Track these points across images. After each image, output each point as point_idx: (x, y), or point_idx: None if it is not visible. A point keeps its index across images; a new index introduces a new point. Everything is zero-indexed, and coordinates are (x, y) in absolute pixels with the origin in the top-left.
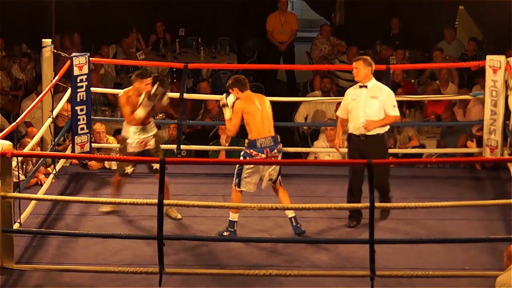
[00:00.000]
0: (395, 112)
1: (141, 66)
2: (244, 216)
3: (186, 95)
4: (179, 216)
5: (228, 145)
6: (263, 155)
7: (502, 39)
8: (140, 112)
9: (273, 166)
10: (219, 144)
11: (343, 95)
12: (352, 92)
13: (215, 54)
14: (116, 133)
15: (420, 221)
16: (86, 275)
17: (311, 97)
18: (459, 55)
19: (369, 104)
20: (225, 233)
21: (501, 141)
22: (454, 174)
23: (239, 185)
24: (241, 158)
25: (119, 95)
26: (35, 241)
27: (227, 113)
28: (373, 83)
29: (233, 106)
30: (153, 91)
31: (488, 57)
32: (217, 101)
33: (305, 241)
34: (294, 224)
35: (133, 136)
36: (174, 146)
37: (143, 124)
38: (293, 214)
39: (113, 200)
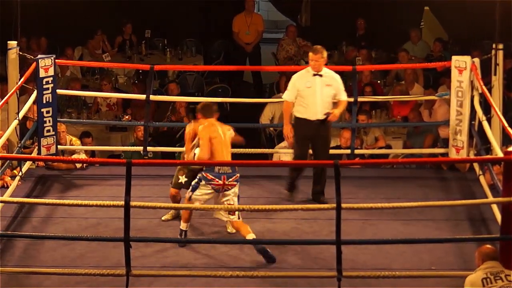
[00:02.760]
0: (346, 96)
1: (108, 68)
2: (211, 218)
3: (152, 97)
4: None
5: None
6: (220, 181)
7: (468, 39)
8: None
9: (230, 196)
10: None
11: None
12: (303, 79)
13: (181, 56)
14: (83, 135)
15: (387, 221)
16: (53, 277)
17: (277, 99)
18: (425, 56)
19: (325, 92)
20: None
21: (467, 141)
22: (421, 175)
23: (190, 198)
24: (197, 180)
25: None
26: (1, 243)
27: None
28: (326, 71)
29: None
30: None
31: (454, 57)
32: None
33: (272, 242)
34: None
35: None
36: (140, 148)
37: None
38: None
39: (79, 202)
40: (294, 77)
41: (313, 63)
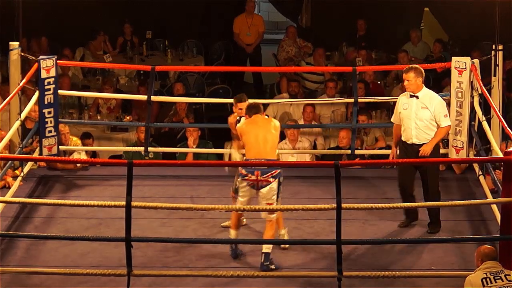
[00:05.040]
0: (447, 122)
1: (109, 69)
2: (213, 217)
3: (153, 98)
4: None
5: (196, 147)
6: (253, 177)
7: (468, 40)
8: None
9: (269, 197)
10: (187, 146)
11: (310, 97)
12: (403, 101)
13: (182, 56)
14: (84, 136)
15: (387, 221)
16: (55, 277)
17: (278, 99)
18: (424, 57)
19: (420, 115)
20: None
21: (467, 142)
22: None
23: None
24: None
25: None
26: (3, 243)
27: None
28: (424, 92)
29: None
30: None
31: (454, 58)
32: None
33: (272, 242)
34: (263, 260)
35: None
36: (141, 148)
37: None
38: (268, 250)
39: (81, 202)
40: (398, 98)
41: (405, 83)
